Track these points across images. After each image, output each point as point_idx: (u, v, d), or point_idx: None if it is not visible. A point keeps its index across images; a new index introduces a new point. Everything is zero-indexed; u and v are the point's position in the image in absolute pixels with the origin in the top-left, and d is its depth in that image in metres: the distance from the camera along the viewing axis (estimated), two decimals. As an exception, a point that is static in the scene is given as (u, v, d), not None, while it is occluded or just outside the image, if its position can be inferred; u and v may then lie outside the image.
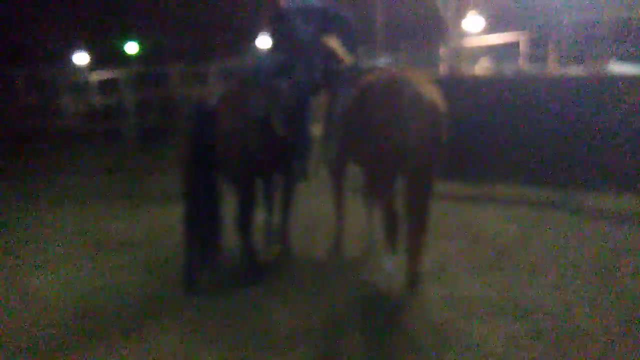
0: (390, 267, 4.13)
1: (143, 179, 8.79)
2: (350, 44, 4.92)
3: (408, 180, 3.96)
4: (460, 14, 13.68)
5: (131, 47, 21.01)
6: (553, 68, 13.66)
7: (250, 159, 4.24)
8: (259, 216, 4.76)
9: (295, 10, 4.84)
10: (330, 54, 4.89)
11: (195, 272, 4.30)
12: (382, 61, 5.98)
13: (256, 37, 19.63)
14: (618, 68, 11.03)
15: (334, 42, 4.90)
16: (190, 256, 4.27)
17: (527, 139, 7.17)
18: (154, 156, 10.93)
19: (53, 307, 4.12)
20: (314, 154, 4.93)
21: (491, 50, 15.34)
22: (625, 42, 15.77)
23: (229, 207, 4.45)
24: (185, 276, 4.27)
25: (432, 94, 3.93)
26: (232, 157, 4.22)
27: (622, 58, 12.73)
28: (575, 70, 12.13)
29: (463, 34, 14.99)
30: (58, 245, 5.56)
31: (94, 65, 17.36)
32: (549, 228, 5.58)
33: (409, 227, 3.97)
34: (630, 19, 16.57)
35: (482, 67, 14.20)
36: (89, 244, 5.57)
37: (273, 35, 5.07)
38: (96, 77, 15.21)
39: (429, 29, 16.83)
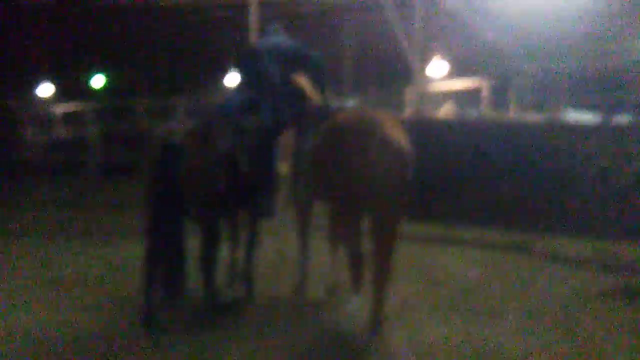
0: (354, 308, 4.12)
1: (104, 215, 8.62)
2: (320, 84, 4.98)
3: (374, 221, 4.00)
4: (425, 58, 14.05)
5: (98, 81, 20.90)
6: (513, 114, 14.10)
7: (216, 196, 4.23)
8: (223, 254, 4.71)
9: (266, 49, 4.91)
10: (299, 93, 4.95)
11: (156, 311, 4.21)
12: (350, 102, 6.09)
13: (225, 74, 19.74)
14: (573, 116, 11.48)
15: (303, 82, 4.96)
16: (151, 295, 4.18)
17: (488, 183, 7.34)
18: (116, 191, 10.75)
19: (6, 345, 3.96)
20: (281, 191, 4.94)
21: (455, 95, 15.74)
22: (580, 91, 16.41)
23: (192, 245, 4.40)
24: (145, 315, 4.17)
25: (399, 136, 4.00)
26: (197, 194, 4.20)
27: (577, 107, 13.25)
28: (534, 117, 12.55)
29: (427, 79, 15.38)
30: (13, 281, 5.36)
31: (59, 97, 17.15)
32: (509, 271, 5.67)
33: (374, 268, 3.98)
34: (585, 69, 17.30)
35: (445, 111, 14.55)
36: (45, 281, 5.39)
37: (242, 73, 5.11)
38: (60, 109, 15.01)
39: (395, 72, 17.21)
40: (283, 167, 5.19)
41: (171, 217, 4.25)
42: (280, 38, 4.98)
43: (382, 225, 3.99)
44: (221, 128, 4.36)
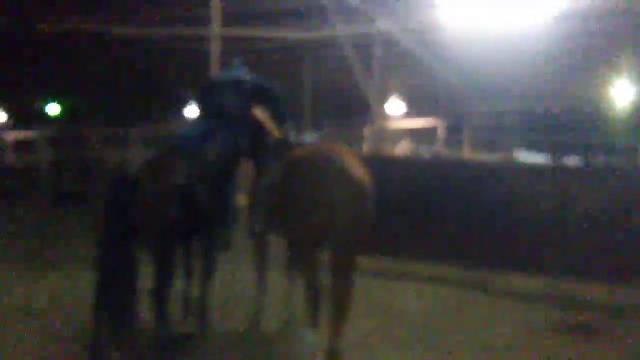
0: (311, 342, 4.07)
1: (53, 243, 8.34)
2: (280, 118, 5.00)
3: (333, 254, 3.99)
4: (383, 97, 14.34)
5: (53, 109, 20.50)
6: (467, 153, 14.48)
7: (171, 227, 4.16)
8: (177, 286, 4.61)
9: (226, 82, 4.92)
10: (258, 127, 4.97)
11: (104, 345, 4.06)
12: (309, 137, 6.14)
13: (184, 106, 19.66)
14: (524, 156, 11.85)
15: (262, 115, 5.00)
16: (99, 327, 4.04)
17: (443, 220, 7.45)
18: (66, 220, 10.44)
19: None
20: (238, 224, 4.90)
21: (411, 134, 16.09)
22: (531, 132, 16.99)
23: (145, 277, 4.29)
24: (92, 349, 4.01)
25: (359, 169, 4.04)
26: (152, 225, 4.11)
27: (529, 147, 13.70)
28: (487, 156, 12.90)
29: (386, 117, 15.69)
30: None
31: (12, 124, 16.76)
32: (465, 307, 5.73)
33: (332, 302, 3.96)
34: (535, 111, 17.98)
35: (402, 149, 14.83)
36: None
37: (201, 105, 5.10)
38: (12, 137, 14.62)
39: (354, 110, 17.49)
40: (242, 200, 5.16)
41: (123, 248, 4.14)
42: (240, 72, 5.00)
43: (342, 259, 3.98)
44: (178, 159, 4.32)
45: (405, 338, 4.78)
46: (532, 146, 13.90)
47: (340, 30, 10.42)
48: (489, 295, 6.24)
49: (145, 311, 4.34)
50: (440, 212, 7.50)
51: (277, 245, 5.10)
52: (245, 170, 5.21)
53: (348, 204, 3.87)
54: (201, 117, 5.05)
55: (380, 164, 8.02)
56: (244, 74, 5.00)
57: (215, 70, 10.31)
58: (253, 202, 4.93)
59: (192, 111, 18.78)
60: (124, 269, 4.14)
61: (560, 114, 17.66)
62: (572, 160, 12.79)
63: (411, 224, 7.59)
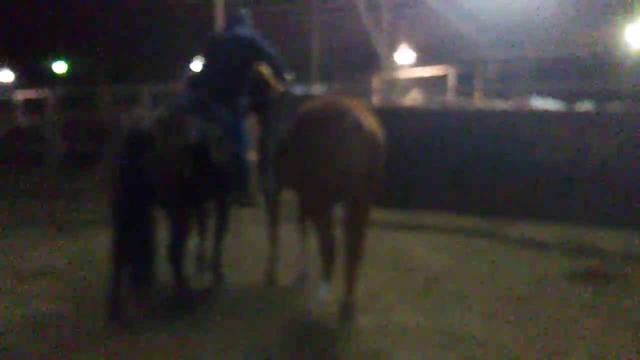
0: (325, 295, 4.12)
1: (66, 205, 8.43)
2: (279, 73, 5.00)
3: (347, 207, 3.99)
4: (392, 46, 14.09)
5: (59, 67, 20.32)
6: (479, 101, 14.28)
7: (186, 184, 4.15)
8: (192, 243, 4.65)
9: (225, 40, 4.91)
10: (261, 82, 4.99)
11: (123, 301, 4.13)
12: (317, 89, 6.06)
13: (190, 61, 19.48)
14: (539, 103, 11.66)
15: (264, 70, 4.97)
16: (118, 286, 4.10)
17: (455, 170, 7.41)
18: (78, 181, 10.52)
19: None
20: (252, 179, 4.90)
21: (421, 83, 15.86)
22: (544, 79, 16.71)
23: (160, 234, 4.33)
24: (111, 306, 4.08)
25: (371, 121, 4.00)
26: (167, 182, 4.10)
27: (542, 94, 13.46)
28: (499, 104, 12.71)
29: (395, 66, 15.46)
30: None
31: (19, 84, 16.68)
32: (478, 257, 5.76)
33: (345, 255, 3.99)
34: (549, 58, 17.62)
35: (412, 99, 14.64)
36: (7, 273, 5.24)
37: (206, 62, 5.02)
38: (21, 96, 14.58)
39: (362, 60, 17.24)
40: (251, 156, 5.14)
41: (140, 206, 4.15)
42: (241, 30, 4.92)
43: (355, 211, 3.99)
44: (190, 116, 4.28)
45: (419, 288, 4.82)
46: (545, 93, 13.66)
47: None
48: (503, 244, 6.25)
49: (161, 267, 4.39)
50: (452, 162, 7.46)
51: (289, 200, 5.11)
52: (252, 127, 5.18)
53: (361, 156, 3.85)
54: (206, 73, 4.96)
55: (389, 115, 7.95)
56: (243, 30, 4.93)
57: (220, 22, 10.15)
58: (262, 159, 4.91)
59: (198, 66, 18.61)
60: (140, 226, 4.16)
61: (573, 60, 17.31)
62: (586, 107, 12.57)
63: (422, 175, 7.57)
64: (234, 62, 4.78)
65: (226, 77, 4.74)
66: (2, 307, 4.42)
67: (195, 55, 18.44)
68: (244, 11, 5.09)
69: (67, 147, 12.90)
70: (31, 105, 14.32)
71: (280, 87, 5.01)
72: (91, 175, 10.51)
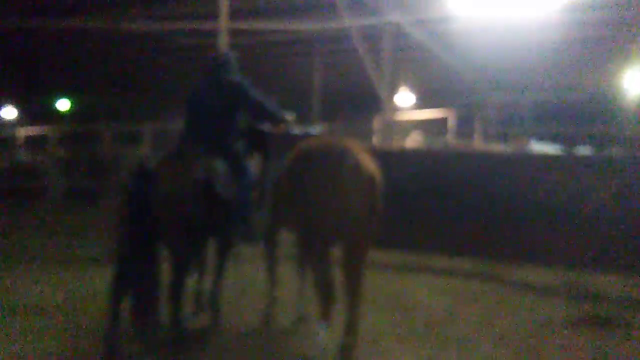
0: (323, 337, 4.06)
1: (66, 241, 8.40)
2: (271, 115, 4.85)
3: (345, 247, 3.98)
4: (393, 88, 14.26)
5: (63, 104, 20.56)
6: (479, 144, 14.39)
7: (191, 222, 4.14)
8: (190, 280, 4.61)
9: (210, 84, 4.78)
10: (256, 124, 4.96)
11: (119, 342, 4.08)
12: (316, 129, 6.09)
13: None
14: (537, 147, 11.75)
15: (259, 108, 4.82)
16: (114, 322, 4.05)
17: (455, 212, 7.41)
18: (79, 217, 10.50)
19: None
20: (254, 217, 4.88)
21: (421, 125, 16.02)
22: (543, 122, 16.89)
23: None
24: (107, 344, 4.03)
25: (369, 162, 4.02)
26: (173, 220, 4.08)
27: (541, 138, 13.58)
28: (499, 147, 12.81)
29: (395, 108, 15.62)
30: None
31: (23, 120, 16.86)
32: (479, 300, 5.71)
33: (344, 296, 3.95)
34: (547, 102, 17.85)
35: (412, 140, 14.77)
36: (2, 308, 5.16)
37: (189, 111, 4.87)
38: (23, 132, 14.70)
39: (363, 102, 17.44)
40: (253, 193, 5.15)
41: (145, 243, 4.13)
42: (226, 75, 4.75)
43: (353, 252, 3.97)
44: (197, 153, 4.31)
45: (419, 332, 4.77)
46: (544, 137, 13.80)
47: (350, 22, 10.36)
48: (503, 288, 6.21)
49: (161, 305, 4.34)
50: (452, 204, 7.46)
51: (287, 240, 5.10)
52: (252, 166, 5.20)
53: (359, 197, 3.85)
54: (200, 112, 4.77)
55: (390, 156, 8.01)
56: (228, 74, 4.77)
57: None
58: (260, 197, 4.92)
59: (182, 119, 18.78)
60: (144, 262, 4.14)
61: (571, 104, 17.54)
62: (584, 151, 12.68)
63: (423, 216, 7.55)
64: (219, 110, 4.64)
65: (213, 127, 4.64)
66: (-5, 344, 4.35)
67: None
68: (230, 54, 5.00)
69: (68, 183, 12.94)
70: (33, 142, 14.43)
71: (276, 128, 4.97)
72: (91, 212, 10.50)
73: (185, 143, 4.66)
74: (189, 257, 4.26)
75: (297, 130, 5.18)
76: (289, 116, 5.06)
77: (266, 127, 5.02)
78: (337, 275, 4.02)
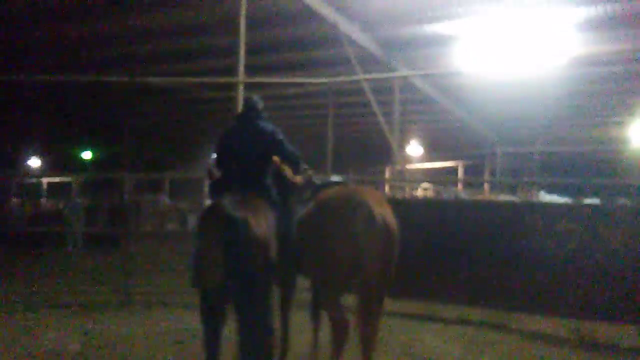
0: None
1: (85, 286, 8.54)
2: (294, 163, 5.00)
3: (359, 295, 4.07)
4: (403, 140, 14.58)
5: (86, 154, 21.12)
6: (488, 194, 14.56)
7: (272, 266, 4.24)
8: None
9: (246, 130, 4.88)
10: (281, 172, 5.00)
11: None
12: (334, 178, 6.22)
13: (210, 150, 20.10)
14: (546, 198, 11.92)
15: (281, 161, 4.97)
16: None
17: (466, 261, 7.53)
18: (98, 263, 10.70)
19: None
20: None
21: (431, 175, 16.26)
22: (552, 174, 17.07)
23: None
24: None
25: (386, 211, 4.15)
26: (260, 264, 4.12)
27: (550, 189, 13.73)
28: (508, 197, 12.96)
29: (406, 159, 15.92)
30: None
31: (47, 168, 17.35)
32: (488, 349, 5.76)
33: (358, 344, 4.03)
34: (556, 153, 18.06)
35: (423, 190, 14.99)
36: (18, 353, 5.25)
37: (222, 157, 5.03)
38: (46, 180, 15.13)
39: (375, 152, 17.76)
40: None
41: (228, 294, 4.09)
42: (260, 123, 4.90)
43: (367, 300, 4.05)
44: (266, 202, 4.47)
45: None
46: (552, 188, 13.95)
47: (362, 76, 10.76)
48: (514, 337, 6.24)
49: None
50: (462, 254, 7.58)
51: (302, 286, 5.23)
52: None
53: (373, 246, 3.96)
54: (223, 162, 4.98)
55: (401, 205, 8.21)
56: (262, 122, 4.90)
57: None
58: (277, 244, 5.03)
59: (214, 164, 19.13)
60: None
61: (578, 155, 17.73)
62: (593, 202, 12.80)
63: (433, 266, 7.67)
64: (256, 157, 4.76)
65: (252, 172, 4.77)
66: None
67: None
68: (258, 100, 5.03)
69: (88, 229, 13.20)
70: (56, 189, 14.82)
71: (299, 179, 5.05)
72: (112, 258, 10.66)
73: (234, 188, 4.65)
74: (269, 297, 4.32)
75: (318, 179, 5.30)
76: (308, 170, 5.18)
77: (289, 175, 5.05)
78: (352, 322, 4.08)
